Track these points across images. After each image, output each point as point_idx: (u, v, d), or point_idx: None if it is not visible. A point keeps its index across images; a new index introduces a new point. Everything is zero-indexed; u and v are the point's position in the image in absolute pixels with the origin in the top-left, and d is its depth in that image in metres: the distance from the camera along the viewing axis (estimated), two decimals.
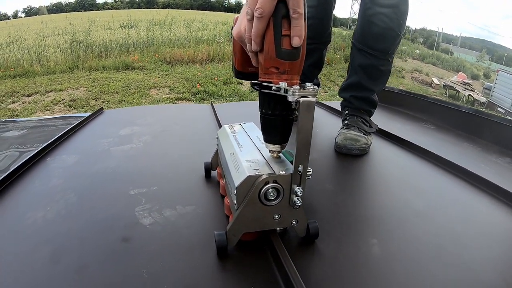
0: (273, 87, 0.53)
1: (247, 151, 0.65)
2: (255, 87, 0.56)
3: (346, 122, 1.17)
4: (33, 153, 0.98)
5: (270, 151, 0.61)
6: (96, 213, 0.72)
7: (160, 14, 16.40)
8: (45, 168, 0.95)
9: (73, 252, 0.60)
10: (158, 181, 0.86)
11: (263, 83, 0.54)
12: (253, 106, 1.93)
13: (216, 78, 6.48)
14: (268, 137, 0.60)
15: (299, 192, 0.56)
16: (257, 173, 0.55)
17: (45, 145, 1.05)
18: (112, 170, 0.92)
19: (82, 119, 1.36)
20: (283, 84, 0.52)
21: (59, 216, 0.70)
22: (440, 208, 0.79)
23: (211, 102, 1.74)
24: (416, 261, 0.62)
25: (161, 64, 7.34)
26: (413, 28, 28.72)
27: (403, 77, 9.43)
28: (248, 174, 0.55)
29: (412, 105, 1.76)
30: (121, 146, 1.10)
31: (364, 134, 1.11)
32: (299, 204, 0.57)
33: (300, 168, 0.55)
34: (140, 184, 0.84)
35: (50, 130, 1.38)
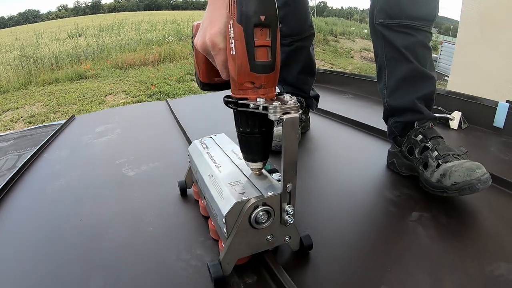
0: (251, 105, 0.46)
1: (227, 171, 0.58)
2: (230, 105, 0.48)
3: (437, 153, 0.74)
4: (33, 152, 1.13)
5: (252, 169, 0.55)
6: (98, 174, 0.97)
7: (107, 19, 15.44)
8: (46, 160, 1.11)
9: (92, 188, 0.89)
10: (134, 153, 1.09)
11: (239, 101, 0.47)
12: (205, 99, 1.85)
13: (170, 78, 6.25)
14: (249, 156, 0.53)
15: (290, 211, 0.50)
16: (244, 198, 0.48)
17: (40, 145, 1.20)
18: (99, 152, 1.14)
19: (60, 125, 1.47)
20: (261, 101, 0.45)
21: (74, 180, 0.95)
22: None
23: (165, 99, 1.77)
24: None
25: (114, 70, 6.92)
26: (361, 9, 29.35)
27: (352, 57, 9.49)
28: (235, 201, 0.48)
29: (334, 81, 1.94)
30: (100, 138, 1.28)
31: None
32: (291, 222, 0.51)
33: (289, 186, 0.49)
34: (122, 157, 1.06)
35: (35, 137, 1.47)
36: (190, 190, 0.79)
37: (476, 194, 0.67)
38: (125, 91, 5.67)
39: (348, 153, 1.03)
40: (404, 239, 0.63)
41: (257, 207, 0.48)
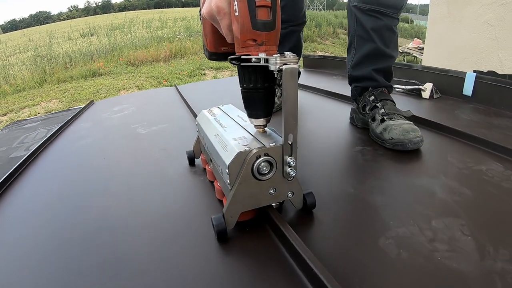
0: (253, 59, 0.47)
1: (232, 130, 0.58)
2: (234, 61, 0.49)
3: (383, 110, 0.89)
4: (60, 125, 1.27)
5: (255, 126, 0.55)
6: (117, 133, 1.16)
7: (118, 18, 15.51)
8: (72, 131, 1.26)
9: (113, 142, 1.09)
10: (146, 120, 1.26)
11: (242, 57, 0.48)
12: (211, 84, 1.94)
13: (180, 73, 6.28)
14: (252, 112, 0.53)
15: (292, 163, 0.50)
16: (247, 149, 0.49)
17: (65, 121, 1.34)
18: (117, 122, 1.31)
19: (80, 108, 1.59)
20: (262, 55, 0.46)
21: (98, 139, 1.14)
22: None
23: (174, 84, 1.86)
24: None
25: (127, 67, 6.98)
26: None
27: None
28: (238, 151, 0.48)
29: (327, 65, 2.04)
30: (118, 114, 1.43)
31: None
32: (293, 175, 0.51)
33: (290, 137, 0.49)
34: (137, 123, 1.23)
35: (60, 118, 1.60)
36: (198, 160, 0.80)
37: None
38: (137, 86, 5.73)
39: (325, 116, 1.21)
40: (349, 161, 0.82)
41: (259, 157, 0.49)
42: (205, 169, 0.75)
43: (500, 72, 1.71)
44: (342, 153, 0.87)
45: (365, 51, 0.93)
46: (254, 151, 0.48)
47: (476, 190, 0.66)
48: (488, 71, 1.75)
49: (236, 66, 0.51)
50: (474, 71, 1.26)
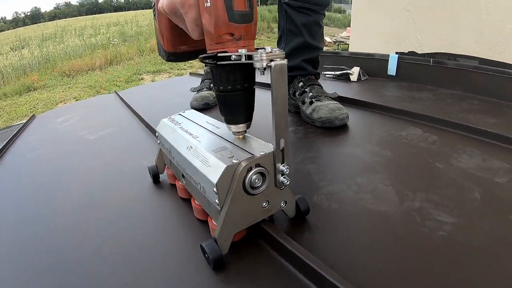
0: (233, 56, 0.38)
1: (207, 140, 0.50)
2: (207, 60, 0.40)
3: (311, 94, 0.96)
4: (7, 140, 1.12)
5: (235, 133, 0.47)
6: (66, 140, 1.10)
7: (49, 27, 14.16)
8: (20, 145, 1.12)
9: (65, 149, 1.00)
10: (93, 126, 1.15)
11: (218, 54, 0.39)
12: (154, 87, 1.81)
13: (118, 80, 5.92)
14: (232, 117, 0.45)
15: (285, 170, 0.43)
16: (235, 161, 0.41)
17: (12, 135, 1.18)
18: (64, 131, 1.18)
19: (22, 124, 1.43)
20: (242, 51, 0.38)
21: (48, 149, 1.05)
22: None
23: (115, 90, 1.70)
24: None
25: (62, 79, 6.40)
26: None
27: None
28: (225, 165, 0.40)
29: None
30: (63, 124, 1.28)
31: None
32: (287, 183, 0.45)
33: (282, 143, 0.42)
34: (83, 130, 1.13)
35: (2, 136, 1.39)
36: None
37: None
38: (75, 98, 5.30)
39: (259, 105, 1.18)
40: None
41: (250, 169, 0.41)
42: (172, 184, 0.66)
43: (419, 52, 1.83)
44: (261, 131, 0.89)
45: (295, 45, 0.98)
46: (244, 163, 0.40)
47: (396, 151, 0.74)
48: (409, 51, 1.86)
49: (209, 65, 0.42)
50: (396, 53, 1.37)
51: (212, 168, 0.42)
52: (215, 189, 0.40)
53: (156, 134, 0.63)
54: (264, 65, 0.37)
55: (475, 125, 0.82)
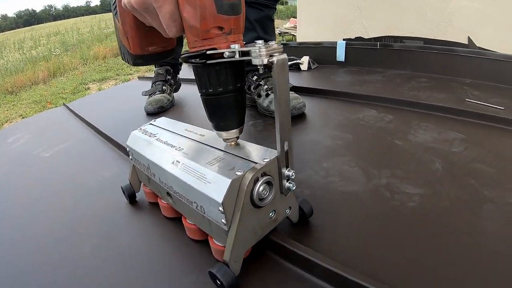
0: (226, 53, 0.33)
1: (195, 151, 0.44)
2: (194, 60, 0.34)
3: (267, 86, 0.95)
4: None
5: (226, 140, 0.42)
6: (20, 161, 0.93)
7: None
8: None
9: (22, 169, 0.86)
10: (47, 144, 1.00)
11: (208, 52, 0.34)
12: (107, 94, 1.63)
13: (63, 92, 5.48)
14: (223, 123, 0.40)
15: (291, 175, 0.39)
16: (239, 173, 0.36)
17: None
18: (17, 151, 1.02)
19: None
20: (235, 47, 0.33)
21: (14, 171, 0.90)
22: None
23: (63, 103, 1.50)
24: None
25: (5, 96, 5.76)
26: None
27: None
28: (230, 180, 0.35)
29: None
30: (14, 144, 1.10)
31: None
32: (294, 189, 0.41)
33: (286, 145, 0.38)
34: (37, 149, 0.98)
35: None
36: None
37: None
38: (21, 115, 4.80)
39: None
40: (243, 135, 0.75)
41: (257, 180, 0.36)
42: (152, 203, 0.58)
43: (365, 37, 1.92)
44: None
45: (248, 40, 0.96)
46: (249, 174, 0.35)
47: (355, 134, 0.76)
48: (356, 37, 1.94)
49: (194, 66, 0.36)
50: (344, 39, 1.43)
51: (212, 185, 0.36)
52: (221, 209, 0.35)
53: (127, 149, 0.55)
54: (265, 61, 0.32)
55: (426, 101, 0.87)
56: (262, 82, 0.96)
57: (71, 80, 6.13)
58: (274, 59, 0.32)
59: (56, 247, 0.52)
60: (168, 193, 0.48)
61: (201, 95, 0.39)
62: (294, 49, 1.53)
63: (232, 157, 0.40)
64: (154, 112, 1.05)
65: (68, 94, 5.36)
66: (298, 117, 0.88)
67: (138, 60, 0.46)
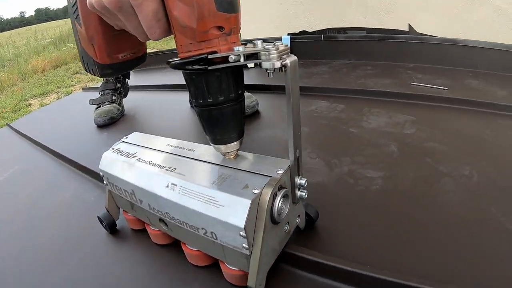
0: (231, 57, 0.29)
1: (191, 171, 0.38)
2: (192, 67, 0.29)
3: None
4: None
5: (226, 153, 0.38)
6: None
7: None
8: None
9: None
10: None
11: (209, 56, 0.29)
12: (49, 112, 1.45)
13: (4, 111, 4.87)
14: (224, 136, 0.36)
15: (304, 183, 0.37)
16: (256, 191, 0.32)
17: None
18: None
19: None
20: (239, 49, 0.29)
21: None
22: None
23: (6, 124, 1.34)
24: None
25: None
26: None
27: None
28: (250, 201, 0.31)
29: (151, 62, 1.79)
30: None
31: None
32: (306, 196, 0.38)
33: (297, 153, 0.35)
34: None
35: None
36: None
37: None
38: None
39: (167, 108, 1.09)
40: (203, 137, 0.79)
41: (275, 195, 0.33)
42: (135, 230, 0.51)
43: (310, 30, 1.97)
44: (195, 134, 0.84)
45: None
46: (268, 190, 0.32)
47: (311, 125, 0.76)
48: (300, 31, 1.98)
49: (188, 74, 0.31)
50: (288, 34, 1.42)
51: (227, 208, 0.32)
52: (242, 233, 0.31)
53: (101, 174, 0.47)
54: (278, 64, 0.28)
55: (373, 88, 0.90)
56: None
57: (10, 97, 5.49)
58: (288, 61, 0.28)
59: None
60: (161, 220, 0.42)
61: (196, 106, 0.34)
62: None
63: (238, 172, 0.36)
64: (105, 124, 0.97)
65: (9, 113, 4.79)
66: (252, 115, 0.87)
67: (106, 70, 0.39)
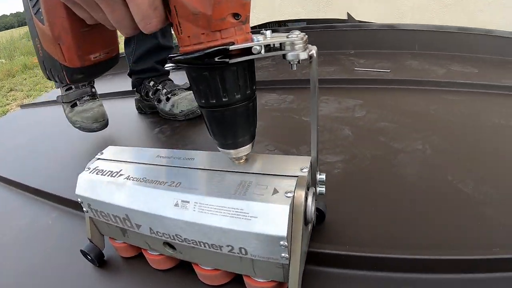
0: (255, 48, 0.25)
1: (203, 183, 0.34)
2: (213, 60, 0.25)
3: (165, 90, 0.88)
4: None
5: (236, 158, 0.34)
6: None
7: None
8: None
9: None
10: None
11: (231, 48, 0.25)
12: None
13: None
14: (237, 139, 0.32)
15: (323, 179, 0.35)
16: (288, 195, 0.29)
17: None
18: None
19: None
20: (259, 39, 0.26)
21: None
22: None
23: None
24: None
25: None
26: None
27: None
28: (287, 206, 0.28)
29: None
30: None
31: None
32: (324, 192, 0.36)
33: (317, 147, 0.33)
34: None
35: None
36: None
37: None
38: None
39: (112, 113, 0.91)
40: (154, 142, 0.77)
41: (307, 196, 0.30)
42: (127, 257, 0.45)
43: (251, 25, 1.96)
44: (145, 140, 0.81)
45: (147, 48, 0.90)
46: (300, 192, 0.29)
47: (264, 119, 0.76)
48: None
49: (201, 69, 0.27)
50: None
51: (261, 219, 0.28)
52: (283, 242, 0.28)
53: (79, 200, 0.40)
54: (304, 55, 0.26)
55: (319, 76, 0.93)
56: (159, 87, 0.90)
57: None
58: (313, 51, 0.26)
59: None
60: (167, 244, 0.37)
61: (205, 107, 0.30)
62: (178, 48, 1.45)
63: (259, 176, 0.32)
64: (98, 130, 0.81)
65: None
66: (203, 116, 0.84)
67: (77, 75, 0.33)
